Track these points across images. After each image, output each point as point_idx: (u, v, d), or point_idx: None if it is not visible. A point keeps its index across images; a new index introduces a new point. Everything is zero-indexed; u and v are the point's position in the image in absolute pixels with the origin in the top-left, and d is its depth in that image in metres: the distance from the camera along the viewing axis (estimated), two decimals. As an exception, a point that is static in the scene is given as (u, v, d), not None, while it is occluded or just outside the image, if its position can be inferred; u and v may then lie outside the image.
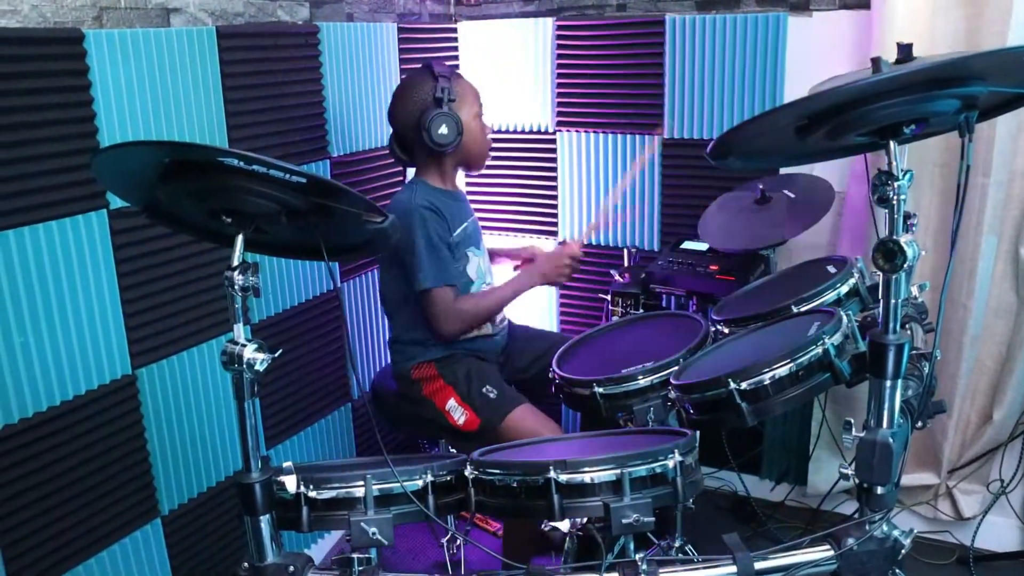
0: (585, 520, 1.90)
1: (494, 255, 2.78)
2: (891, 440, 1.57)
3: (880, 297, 1.58)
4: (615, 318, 2.68)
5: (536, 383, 2.45)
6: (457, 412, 2.37)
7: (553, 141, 3.20)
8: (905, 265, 1.51)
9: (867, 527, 1.61)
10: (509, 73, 3.22)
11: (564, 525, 2.61)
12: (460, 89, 2.41)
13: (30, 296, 1.83)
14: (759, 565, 1.56)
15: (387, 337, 2.59)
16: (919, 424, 1.77)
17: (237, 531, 2.41)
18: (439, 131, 2.33)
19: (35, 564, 1.89)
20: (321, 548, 2.85)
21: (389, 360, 2.59)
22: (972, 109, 1.51)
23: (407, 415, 2.53)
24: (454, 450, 2.55)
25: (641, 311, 2.69)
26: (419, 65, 2.45)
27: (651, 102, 2.95)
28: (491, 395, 2.37)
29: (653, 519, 1.47)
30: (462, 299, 2.41)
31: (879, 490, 1.61)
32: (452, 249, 2.41)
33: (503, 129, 3.28)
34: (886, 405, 1.60)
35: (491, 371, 2.47)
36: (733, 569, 1.54)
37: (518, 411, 2.33)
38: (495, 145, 3.26)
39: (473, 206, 2.63)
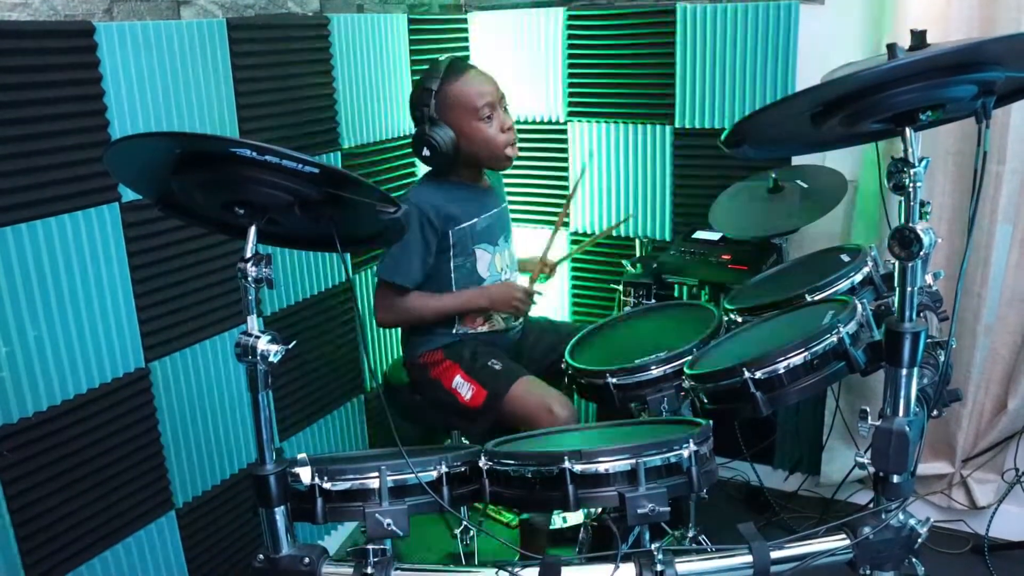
0: (600, 510, 1.89)
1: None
2: (907, 428, 1.56)
3: (896, 285, 1.57)
4: (627, 308, 2.67)
5: (549, 374, 2.45)
6: (464, 388, 2.38)
7: (564, 131, 3.19)
8: (921, 253, 1.50)
9: (883, 516, 1.60)
10: (520, 64, 3.20)
11: (577, 516, 2.62)
12: (452, 99, 2.37)
13: (43, 290, 1.83)
14: (775, 554, 1.55)
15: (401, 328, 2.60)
16: (935, 412, 1.77)
17: (251, 523, 2.42)
18: (422, 153, 2.38)
19: (51, 557, 1.90)
20: (335, 538, 2.85)
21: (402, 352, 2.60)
22: (989, 95, 1.50)
23: (420, 405, 2.53)
24: (466, 440, 2.56)
25: (653, 301, 2.68)
26: (432, 58, 2.46)
27: (662, 91, 2.94)
28: (496, 367, 2.37)
29: (668, 509, 1.47)
30: (413, 296, 2.42)
31: (895, 479, 1.60)
32: (443, 248, 2.43)
33: (514, 119, 3.26)
34: (902, 393, 1.59)
35: (496, 350, 2.48)
36: (749, 559, 1.53)
37: (522, 382, 2.32)
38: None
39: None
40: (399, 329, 2.59)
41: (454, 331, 2.48)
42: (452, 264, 2.45)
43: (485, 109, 2.40)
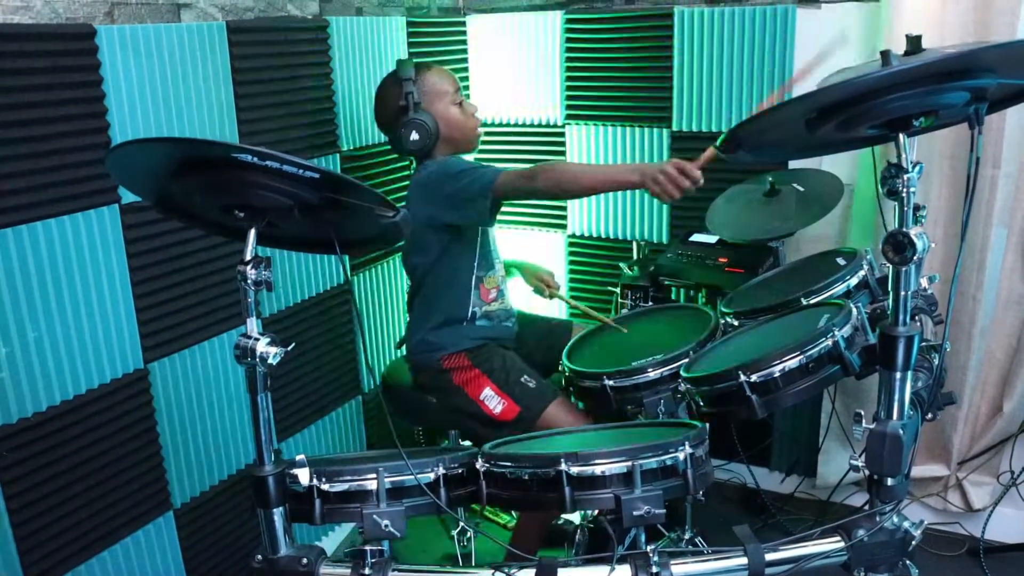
0: (596, 512, 1.90)
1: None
2: (901, 432, 1.57)
3: (890, 289, 1.58)
4: (624, 311, 2.68)
5: (545, 372, 2.46)
6: (493, 401, 2.36)
7: (562, 134, 3.20)
8: (915, 257, 1.51)
9: (878, 518, 1.61)
10: (518, 67, 3.22)
11: (575, 517, 2.63)
12: (427, 86, 2.43)
13: (43, 291, 1.84)
14: (770, 556, 1.56)
15: (404, 329, 2.60)
16: (929, 416, 1.78)
17: (249, 523, 2.42)
18: (411, 138, 2.39)
19: (49, 557, 1.90)
20: (333, 540, 2.86)
21: (405, 352, 2.59)
22: (982, 101, 1.51)
23: (426, 408, 2.52)
24: (468, 442, 2.55)
25: (650, 304, 2.69)
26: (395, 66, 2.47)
27: (660, 95, 2.95)
28: (530, 384, 2.36)
29: (664, 511, 1.48)
30: (558, 165, 2.35)
31: (889, 481, 1.62)
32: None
33: (512, 122, 3.29)
34: (896, 397, 1.60)
35: (522, 362, 2.47)
36: (744, 560, 1.54)
37: (556, 404, 2.32)
38: (505, 138, 3.28)
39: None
40: (409, 329, 2.57)
41: (470, 311, 2.46)
42: (479, 239, 2.46)
43: (457, 94, 2.48)
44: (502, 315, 2.55)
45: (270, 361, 1.47)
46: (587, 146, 3.15)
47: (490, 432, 2.39)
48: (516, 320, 2.62)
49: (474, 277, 2.47)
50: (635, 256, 2.96)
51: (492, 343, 2.47)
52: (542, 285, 2.79)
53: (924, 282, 1.99)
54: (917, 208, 1.54)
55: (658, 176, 2.09)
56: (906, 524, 1.62)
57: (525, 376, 2.38)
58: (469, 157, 2.50)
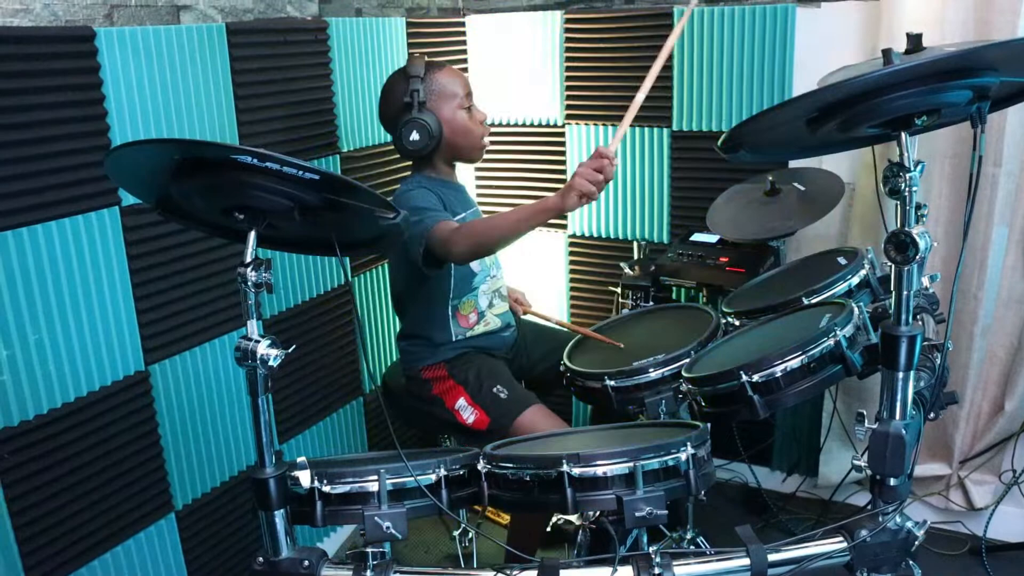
0: (598, 513, 1.90)
1: None
2: (904, 431, 1.57)
3: (892, 288, 1.58)
4: (625, 311, 2.68)
5: (547, 377, 2.45)
6: (467, 411, 2.35)
7: (562, 134, 3.20)
8: (917, 256, 1.50)
9: (880, 519, 1.61)
10: (518, 67, 3.21)
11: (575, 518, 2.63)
12: (437, 86, 2.35)
13: (43, 294, 1.84)
14: (772, 557, 1.56)
15: (397, 334, 2.58)
16: (931, 415, 1.77)
17: (251, 525, 2.42)
18: (410, 138, 2.32)
19: (51, 559, 1.90)
20: (334, 541, 2.86)
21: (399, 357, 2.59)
22: (984, 100, 1.50)
23: (417, 413, 2.53)
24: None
25: (651, 304, 2.69)
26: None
27: (660, 94, 2.94)
28: (502, 395, 2.33)
29: (666, 512, 1.47)
30: (471, 221, 2.31)
31: (892, 482, 1.61)
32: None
33: (512, 123, 3.29)
34: (899, 396, 1.60)
35: (501, 369, 2.44)
36: (747, 561, 1.54)
37: (529, 412, 2.28)
38: (505, 138, 3.27)
39: (481, 199, 2.60)
40: (398, 336, 2.57)
41: (454, 338, 2.46)
42: (452, 268, 2.41)
43: (467, 99, 2.40)
44: (490, 332, 2.52)
45: (271, 363, 1.47)
46: (587, 146, 3.15)
47: (467, 440, 2.38)
48: (515, 329, 2.61)
49: (449, 307, 2.44)
50: (636, 256, 2.95)
51: (474, 351, 2.46)
52: (515, 305, 2.78)
53: (926, 281, 1.99)
54: (919, 207, 1.53)
55: (575, 180, 1.99)
56: (909, 524, 1.62)
57: (498, 387, 2.35)
58: (471, 168, 2.46)
